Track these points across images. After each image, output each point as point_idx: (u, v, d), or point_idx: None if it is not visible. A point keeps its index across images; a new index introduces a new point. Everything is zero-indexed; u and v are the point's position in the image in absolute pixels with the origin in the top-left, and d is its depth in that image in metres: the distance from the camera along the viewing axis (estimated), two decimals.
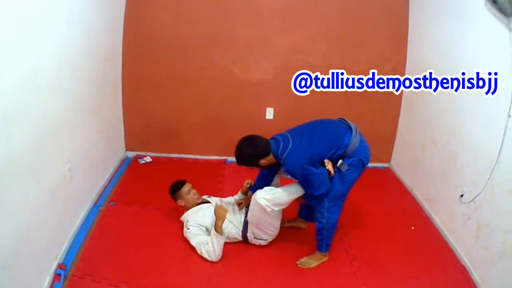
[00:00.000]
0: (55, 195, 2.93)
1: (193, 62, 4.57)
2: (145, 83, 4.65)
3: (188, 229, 3.33)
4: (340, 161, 2.99)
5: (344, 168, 2.98)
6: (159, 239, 3.44)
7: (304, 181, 2.97)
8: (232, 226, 3.36)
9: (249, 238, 3.37)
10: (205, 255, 3.20)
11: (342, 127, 3.13)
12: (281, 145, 2.96)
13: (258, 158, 3.01)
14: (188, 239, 3.33)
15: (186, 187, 3.54)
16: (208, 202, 3.58)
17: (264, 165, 3.08)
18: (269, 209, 3.07)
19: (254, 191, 3.26)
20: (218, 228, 3.16)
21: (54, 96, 2.83)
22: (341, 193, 3.09)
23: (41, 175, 2.70)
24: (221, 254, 3.21)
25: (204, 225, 3.33)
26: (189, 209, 3.50)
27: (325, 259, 3.25)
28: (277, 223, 3.30)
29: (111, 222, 3.61)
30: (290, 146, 2.92)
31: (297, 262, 3.22)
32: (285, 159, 2.92)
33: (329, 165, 2.99)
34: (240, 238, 3.39)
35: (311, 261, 3.22)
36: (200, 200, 3.56)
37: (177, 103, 4.77)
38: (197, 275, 3.06)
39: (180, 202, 3.53)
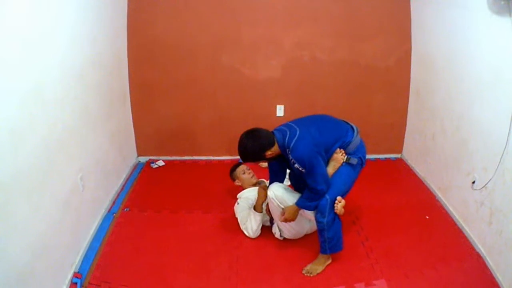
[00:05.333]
0: (68, 205, 2.96)
1: (200, 64, 4.59)
2: (153, 87, 4.68)
3: (238, 204, 3.61)
4: (346, 156, 3.02)
5: (354, 161, 3.01)
6: (176, 242, 3.45)
7: (310, 170, 2.85)
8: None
9: (273, 224, 3.46)
10: (245, 231, 3.48)
11: (345, 124, 3.15)
12: (288, 134, 2.91)
13: (263, 150, 2.94)
14: (236, 213, 3.59)
15: (241, 168, 3.83)
16: (264, 184, 3.67)
17: (270, 158, 3.03)
18: (275, 202, 3.12)
19: None
20: (258, 206, 3.41)
21: (61, 108, 2.85)
22: (343, 191, 3.04)
23: (53, 187, 2.73)
24: (258, 231, 3.45)
25: (254, 203, 3.49)
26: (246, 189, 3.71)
27: (329, 261, 3.17)
28: (290, 225, 3.27)
29: (126, 228, 3.64)
30: (298, 134, 2.88)
31: (303, 271, 3.11)
32: (293, 146, 2.85)
33: (341, 154, 3.02)
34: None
35: (316, 267, 3.12)
36: (255, 181, 3.80)
37: (187, 105, 4.79)
38: (216, 277, 3.07)
39: (237, 183, 3.84)
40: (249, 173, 3.80)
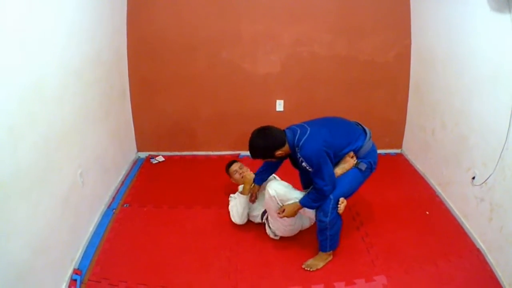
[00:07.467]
0: (68, 202, 2.95)
1: (200, 59, 4.57)
2: (153, 83, 4.67)
3: (230, 196, 3.68)
4: (357, 160, 3.01)
5: (363, 166, 2.99)
6: (175, 238, 3.45)
7: (317, 170, 2.82)
8: (261, 208, 3.48)
9: (266, 224, 3.44)
10: (232, 218, 3.53)
11: (358, 129, 3.12)
12: (298, 133, 2.87)
13: (274, 150, 2.90)
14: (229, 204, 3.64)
15: (234, 167, 3.80)
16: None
17: (280, 156, 2.98)
18: (275, 200, 3.10)
19: (257, 179, 3.39)
20: (244, 190, 3.46)
21: (60, 105, 2.84)
22: (348, 193, 3.03)
23: (52, 184, 2.72)
24: (245, 215, 3.50)
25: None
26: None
27: (330, 258, 3.17)
28: (287, 222, 3.25)
29: (126, 224, 3.64)
30: (308, 133, 2.84)
31: (303, 265, 3.12)
32: (302, 145, 2.81)
33: (353, 158, 3.01)
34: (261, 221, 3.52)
35: (317, 262, 3.12)
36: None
37: (187, 101, 4.78)
38: (215, 272, 3.08)
39: (233, 180, 3.82)
40: (241, 173, 3.71)
